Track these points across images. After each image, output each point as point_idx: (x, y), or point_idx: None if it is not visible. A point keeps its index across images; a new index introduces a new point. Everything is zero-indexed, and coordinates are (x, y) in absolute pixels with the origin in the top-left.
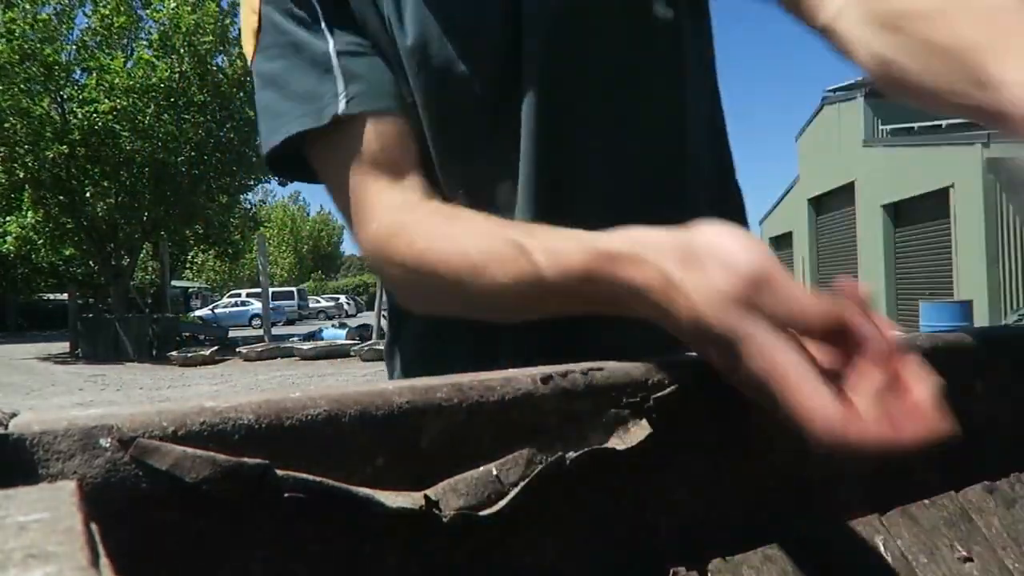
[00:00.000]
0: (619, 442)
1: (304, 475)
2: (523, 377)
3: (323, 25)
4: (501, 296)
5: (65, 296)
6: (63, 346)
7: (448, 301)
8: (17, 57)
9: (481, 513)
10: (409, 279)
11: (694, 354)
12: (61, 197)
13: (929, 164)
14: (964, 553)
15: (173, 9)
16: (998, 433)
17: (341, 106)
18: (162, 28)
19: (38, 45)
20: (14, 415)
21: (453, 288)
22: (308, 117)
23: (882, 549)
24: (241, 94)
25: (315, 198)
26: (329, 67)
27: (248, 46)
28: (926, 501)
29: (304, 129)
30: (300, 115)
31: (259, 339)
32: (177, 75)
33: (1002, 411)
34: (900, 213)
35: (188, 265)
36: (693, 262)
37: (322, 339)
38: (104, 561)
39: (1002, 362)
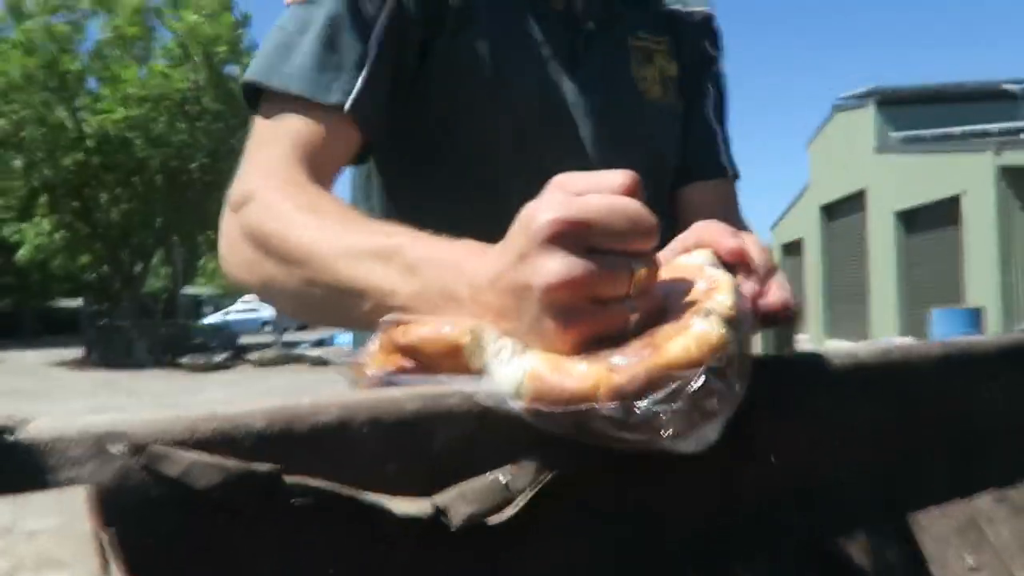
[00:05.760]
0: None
1: (314, 482)
2: None
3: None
4: None
5: (79, 303)
6: (76, 352)
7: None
8: (35, 67)
9: (489, 520)
10: None
11: None
12: (75, 204)
13: (941, 171)
14: (972, 563)
15: (192, 21)
16: (1008, 440)
17: (347, 105)
18: (179, 39)
19: (53, 55)
20: (26, 421)
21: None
22: (311, 85)
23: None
24: None
25: None
26: (363, 62)
27: None
28: (935, 509)
29: (300, 94)
30: (304, 79)
31: (270, 345)
32: (192, 84)
33: (1012, 418)
34: (911, 220)
35: (200, 271)
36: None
37: (333, 345)
38: (115, 568)
39: (1013, 369)
